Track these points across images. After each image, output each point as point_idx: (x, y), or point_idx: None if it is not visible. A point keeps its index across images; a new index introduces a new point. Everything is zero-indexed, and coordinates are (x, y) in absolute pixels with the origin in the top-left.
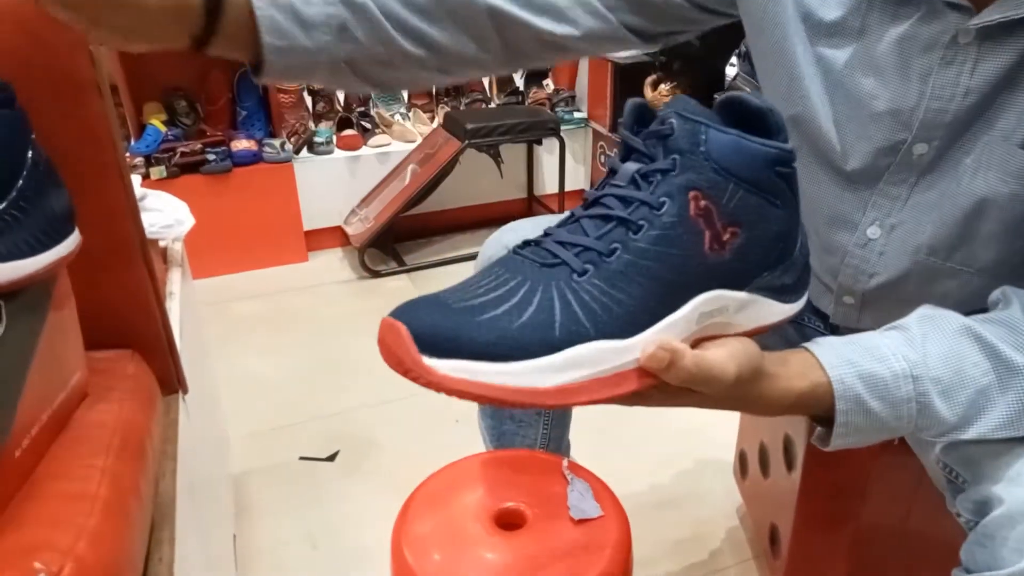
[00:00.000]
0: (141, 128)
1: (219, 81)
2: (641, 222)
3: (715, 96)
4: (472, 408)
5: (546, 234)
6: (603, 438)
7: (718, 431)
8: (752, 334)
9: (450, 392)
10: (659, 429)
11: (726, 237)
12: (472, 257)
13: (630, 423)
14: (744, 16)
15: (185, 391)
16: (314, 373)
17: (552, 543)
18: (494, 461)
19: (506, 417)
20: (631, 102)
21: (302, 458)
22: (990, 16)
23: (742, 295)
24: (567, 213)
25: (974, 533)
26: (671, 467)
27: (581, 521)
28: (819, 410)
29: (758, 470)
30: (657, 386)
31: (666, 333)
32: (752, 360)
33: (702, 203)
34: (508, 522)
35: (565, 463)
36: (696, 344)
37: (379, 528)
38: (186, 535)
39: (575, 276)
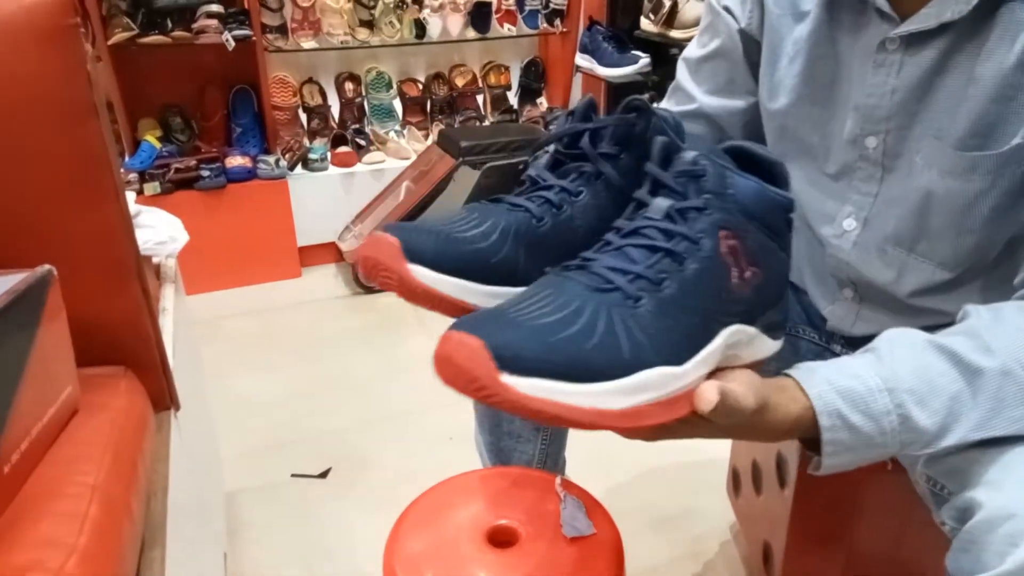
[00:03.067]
0: (136, 144)
1: (214, 98)
2: (684, 255)
3: None
4: (466, 426)
5: (586, 259)
6: (598, 455)
7: (712, 449)
8: (751, 367)
9: (527, 411)
10: (654, 446)
11: (747, 275)
12: None
13: (624, 441)
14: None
15: (177, 408)
16: (307, 390)
17: (545, 561)
18: (486, 478)
19: (504, 433)
20: (660, 141)
21: (294, 475)
22: (909, 27)
23: (752, 330)
24: (600, 242)
25: (957, 539)
26: (665, 484)
27: (574, 539)
28: (809, 432)
29: (751, 488)
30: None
31: (706, 362)
32: (762, 391)
33: (730, 242)
34: (501, 540)
35: (558, 480)
36: (710, 376)
37: (372, 546)
38: (177, 554)
39: (630, 302)
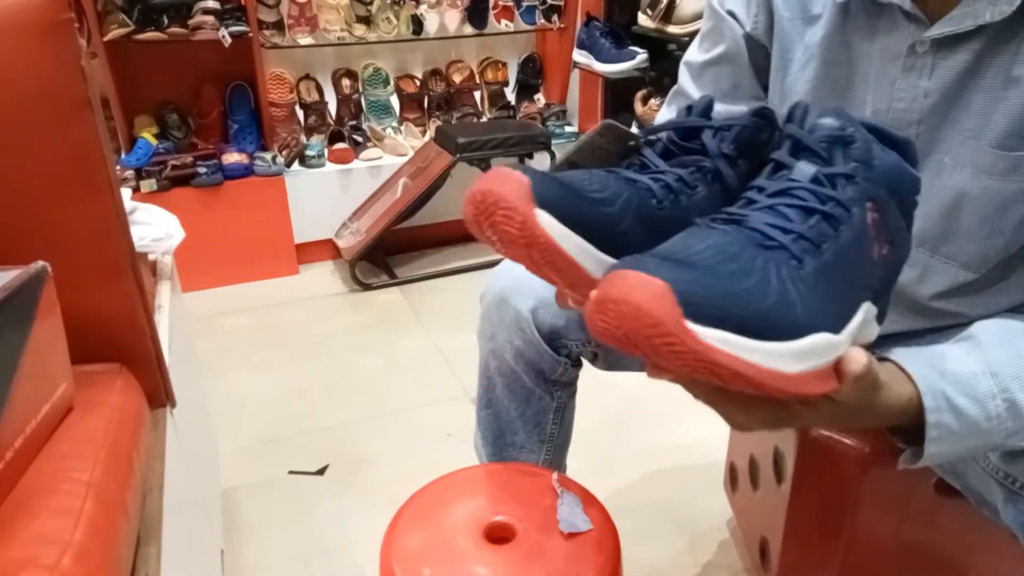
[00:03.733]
0: (132, 141)
1: (211, 94)
2: (840, 220)
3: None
4: (464, 423)
5: (734, 215)
6: (595, 452)
7: (709, 444)
8: None
9: (708, 364)
10: (651, 442)
11: (884, 251)
12: (465, 270)
13: (622, 436)
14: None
15: (173, 405)
16: (304, 387)
17: (542, 557)
18: (483, 474)
19: (507, 444)
20: (803, 103)
21: (291, 472)
22: (941, 29)
23: (875, 309)
24: (740, 199)
25: None
26: (662, 480)
27: (571, 535)
28: (915, 417)
29: (748, 483)
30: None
31: (852, 335)
32: (876, 369)
33: (874, 215)
34: (498, 536)
35: (555, 477)
36: None
37: (369, 543)
38: (173, 551)
39: (794, 262)
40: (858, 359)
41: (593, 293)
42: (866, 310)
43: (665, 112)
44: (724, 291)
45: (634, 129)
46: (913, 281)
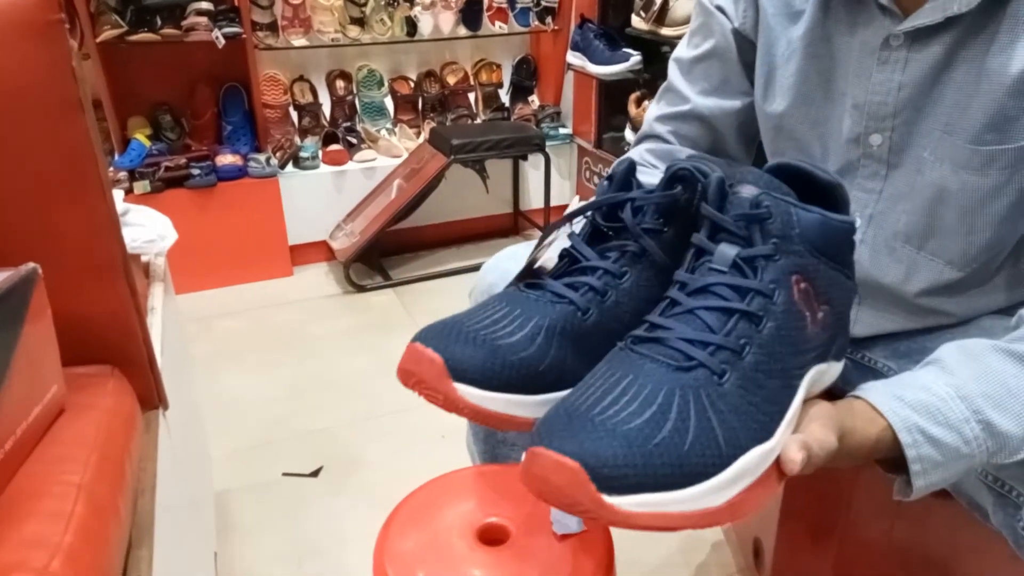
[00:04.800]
0: (125, 142)
1: (205, 96)
2: (760, 314)
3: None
4: (458, 425)
5: (654, 325)
6: None
7: None
8: (819, 397)
9: (634, 527)
10: None
11: (820, 315)
12: (459, 271)
13: None
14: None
15: (166, 407)
16: (298, 388)
17: (535, 558)
18: (476, 476)
19: (499, 442)
20: (716, 178)
21: (285, 474)
22: (913, 22)
23: (825, 365)
24: (664, 300)
25: None
26: None
27: (564, 536)
28: (891, 451)
29: None
30: None
31: (791, 423)
32: (838, 420)
33: (802, 285)
34: (491, 537)
35: None
36: None
37: (363, 545)
38: (165, 553)
39: (716, 379)
40: (792, 459)
41: (521, 461)
42: (808, 380)
43: (655, 108)
44: (638, 454)
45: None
46: (900, 279)
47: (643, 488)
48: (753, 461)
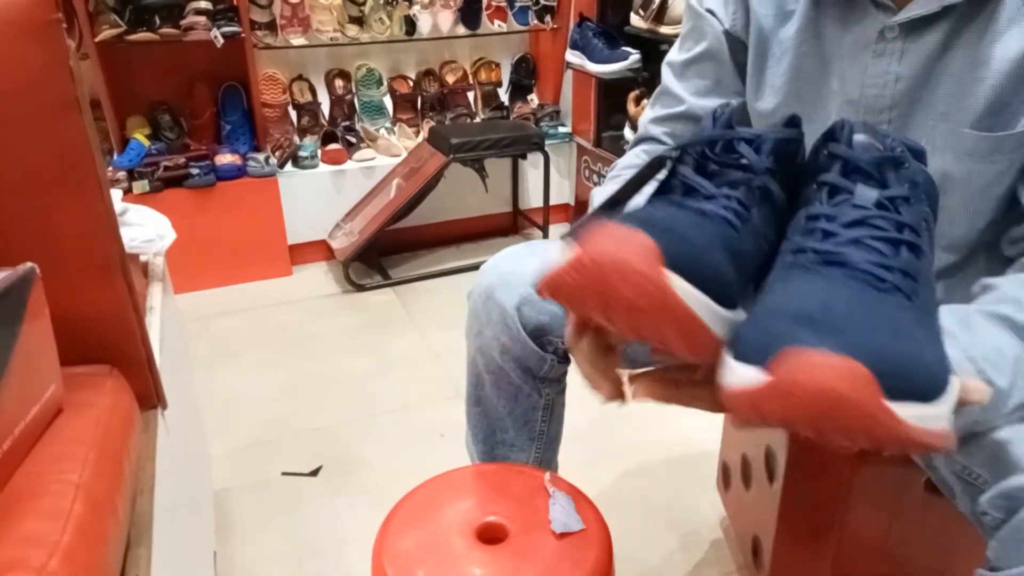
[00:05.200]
0: (124, 142)
1: (203, 95)
2: (920, 246)
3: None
4: (457, 423)
5: (820, 252)
6: (588, 450)
7: (701, 443)
8: None
9: (911, 444)
10: (644, 441)
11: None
12: (458, 271)
13: (615, 435)
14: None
15: (164, 407)
16: (298, 388)
17: (534, 557)
18: (475, 475)
19: (498, 443)
20: (846, 122)
21: (284, 473)
22: (908, 13)
23: None
24: (811, 230)
25: (1006, 529)
26: (655, 479)
27: (563, 535)
28: None
29: (740, 482)
30: None
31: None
32: None
33: (929, 232)
34: (490, 536)
35: (547, 476)
36: None
37: (363, 544)
38: (164, 552)
39: (907, 303)
40: (980, 388)
41: (758, 378)
42: None
43: (650, 112)
44: (904, 358)
45: (628, 132)
46: None
47: (914, 396)
48: (956, 385)
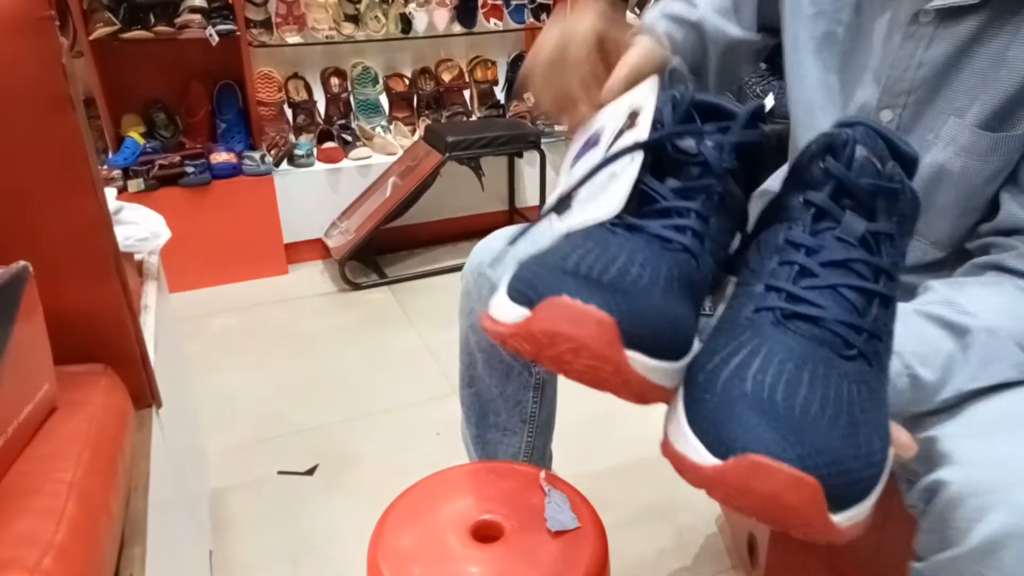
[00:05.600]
0: (119, 141)
1: (199, 93)
2: (890, 297)
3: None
4: (452, 421)
5: (794, 296)
6: (584, 448)
7: None
8: None
9: (834, 539)
10: (640, 438)
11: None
12: (454, 269)
13: (611, 433)
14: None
15: (159, 405)
16: (293, 387)
17: (529, 555)
18: (471, 473)
19: (490, 426)
20: (851, 136)
21: (281, 472)
22: (945, 0)
23: None
24: (788, 264)
25: (924, 520)
26: (651, 476)
27: (558, 533)
28: None
29: None
30: None
31: None
32: None
33: (901, 268)
34: (485, 534)
35: (542, 475)
36: None
37: (359, 542)
38: (159, 551)
39: (867, 371)
40: (908, 445)
41: (711, 462)
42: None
43: (664, 4)
44: (853, 469)
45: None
46: None
47: (855, 503)
48: (887, 471)
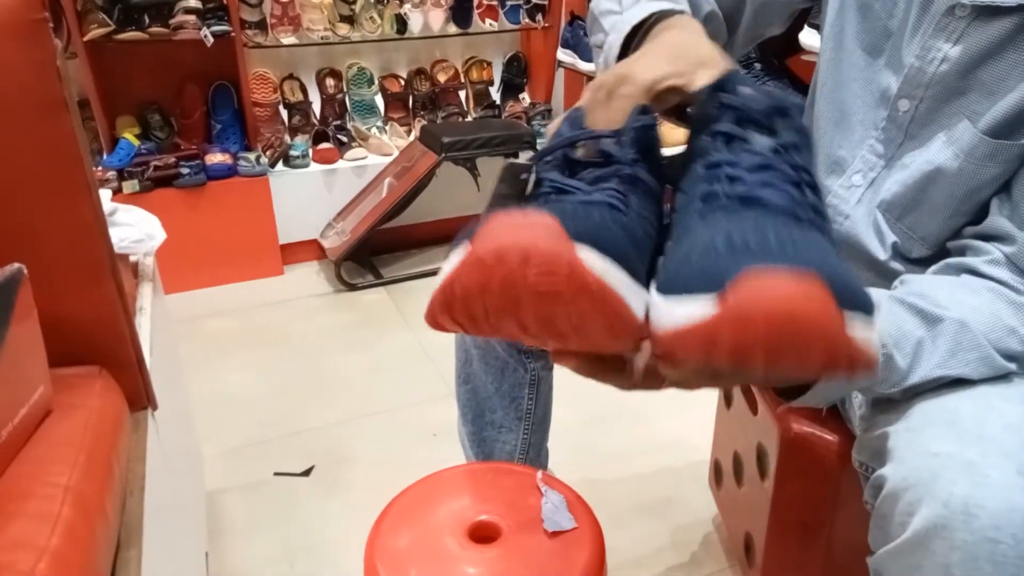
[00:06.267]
0: (114, 142)
1: (193, 94)
2: (816, 187)
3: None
4: (449, 422)
5: (740, 196)
6: (581, 447)
7: (694, 440)
8: None
9: (854, 362)
10: (637, 437)
11: None
12: None
13: (607, 433)
14: None
15: (154, 407)
16: (290, 388)
17: (526, 556)
18: (468, 474)
19: (487, 423)
20: (731, 73)
21: (276, 474)
22: None
23: None
24: (718, 179)
25: (874, 514)
26: (648, 476)
27: (555, 533)
28: None
29: (732, 479)
30: None
31: None
32: None
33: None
34: (482, 535)
35: (539, 475)
36: None
37: (355, 543)
38: (155, 554)
39: (825, 238)
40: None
41: (706, 310)
42: None
43: None
44: (847, 273)
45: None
46: (875, 244)
47: (863, 309)
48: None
